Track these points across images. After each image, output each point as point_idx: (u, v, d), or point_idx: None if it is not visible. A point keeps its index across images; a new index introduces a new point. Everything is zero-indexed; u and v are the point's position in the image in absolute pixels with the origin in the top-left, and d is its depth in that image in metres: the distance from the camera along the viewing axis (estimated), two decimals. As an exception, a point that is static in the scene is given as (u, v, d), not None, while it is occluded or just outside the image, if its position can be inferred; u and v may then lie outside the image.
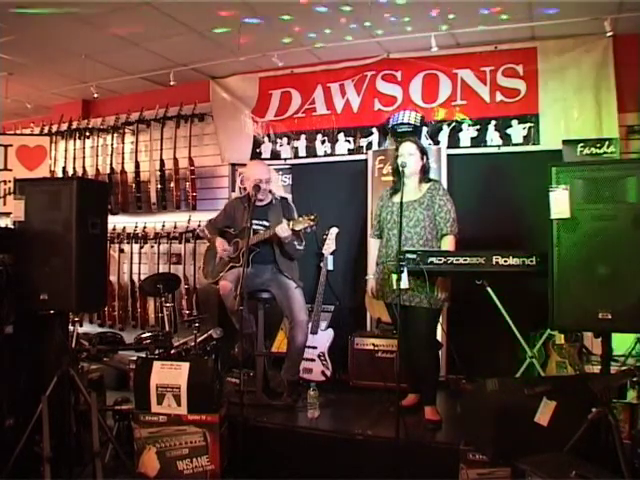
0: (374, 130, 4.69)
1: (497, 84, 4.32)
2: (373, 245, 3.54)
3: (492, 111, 4.33)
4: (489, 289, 3.40)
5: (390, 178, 3.58)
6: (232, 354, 4.03)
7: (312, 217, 3.43)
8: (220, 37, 4.28)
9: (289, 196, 4.83)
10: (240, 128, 5.14)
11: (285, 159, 5.00)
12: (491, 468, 2.51)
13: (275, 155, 5.04)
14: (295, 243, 3.61)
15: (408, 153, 3.26)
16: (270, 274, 3.69)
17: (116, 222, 5.44)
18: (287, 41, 4.35)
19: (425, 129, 4.45)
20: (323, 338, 4.02)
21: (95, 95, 5.16)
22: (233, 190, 5.04)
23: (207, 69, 5.04)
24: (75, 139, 5.77)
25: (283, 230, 3.47)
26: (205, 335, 4.17)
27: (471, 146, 4.38)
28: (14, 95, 5.34)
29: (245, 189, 3.86)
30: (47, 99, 5.76)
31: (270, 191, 3.83)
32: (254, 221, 3.62)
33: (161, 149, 5.30)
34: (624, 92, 3.97)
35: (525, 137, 4.23)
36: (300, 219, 3.47)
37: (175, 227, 5.28)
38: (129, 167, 5.45)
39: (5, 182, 4.86)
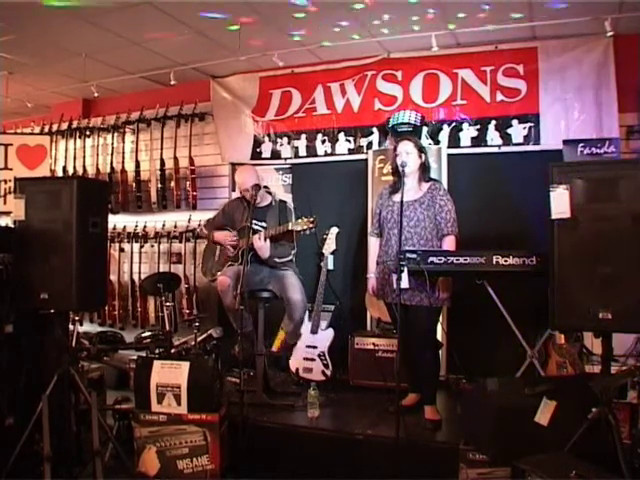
0: (374, 130, 4.68)
1: (497, 84, 4.32)
2: (372, 244, 3.54)
3: (492, 111, 4.32)
4: (489, 289, 3.40)
5: (390, 178, 3.58)
6: (232, 353, 4.03)
7: (311, 220, 3.45)
8: (220, 36, 4.27)
9: (289, 196, 4.84)
10: (240, 127, 5.14)
11: (285, 159, 4.99)
12: (491, 468, 2.52)
13: (275, 155, 5.03)
14: (275, 259, 3.66)
15: (405, 152, 3.26)
16: (268, 271, 3.76)
17: (116, 221, 5.44)
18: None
19: (425, 129, 4.44)
20: (323, 338, 4.01)
21: (95, 94, 5.15)
22: (233, 190, 5.03)
23: (207, 68, 5.03)
24: (75, 138, 5.77)
25: (256, 241, 3.53)
26: (205, 334, 4.18)
27: (471, 146, 4.38)
28: (14, 94, 5.34)
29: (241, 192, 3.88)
30: (47, 98, 5.76)
31: (270, 193, 3.87)
32: (254, 221, 3.65)
33: (161, 148, 5.29)
34: (624, 92, 3.96)
35: (525, 137, 4.22)
36: (299, 221, 3.51)
37: (175, 226, 5.28)
38: (129, 166, 5.45)
39: (5, 181, 4.87)
